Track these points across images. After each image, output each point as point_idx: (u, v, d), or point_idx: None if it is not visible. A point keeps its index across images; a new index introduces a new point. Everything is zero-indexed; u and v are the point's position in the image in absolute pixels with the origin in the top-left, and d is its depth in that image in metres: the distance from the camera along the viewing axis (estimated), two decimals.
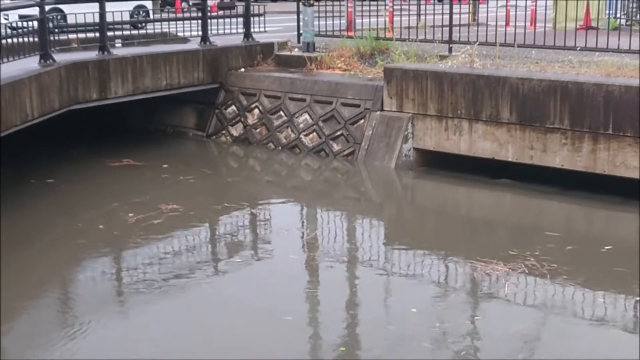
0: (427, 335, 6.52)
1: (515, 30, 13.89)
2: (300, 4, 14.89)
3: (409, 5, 18.76)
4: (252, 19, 14.83)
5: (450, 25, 13.59)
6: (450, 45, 13.47)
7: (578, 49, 12.34)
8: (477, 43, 12.61)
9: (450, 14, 13.56)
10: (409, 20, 16.62)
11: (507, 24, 18.73)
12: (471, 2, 22.74)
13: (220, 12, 17.06)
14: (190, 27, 14.66)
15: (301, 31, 14.97)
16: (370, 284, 7.84)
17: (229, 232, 9.73)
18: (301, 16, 14.89)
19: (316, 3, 16.16)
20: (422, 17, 18.35)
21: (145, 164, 12.32)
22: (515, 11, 19.79)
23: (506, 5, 20.72)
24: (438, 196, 11.37)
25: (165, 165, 12.18)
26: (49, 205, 10.44)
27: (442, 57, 12.90)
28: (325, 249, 8.87)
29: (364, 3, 19.72)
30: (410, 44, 13.95)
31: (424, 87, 11.55)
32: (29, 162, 12.47)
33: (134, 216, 9.70)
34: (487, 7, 16.77)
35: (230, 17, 15.14)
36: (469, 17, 21.77)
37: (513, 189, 10.89)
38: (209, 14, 14.86)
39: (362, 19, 17.66)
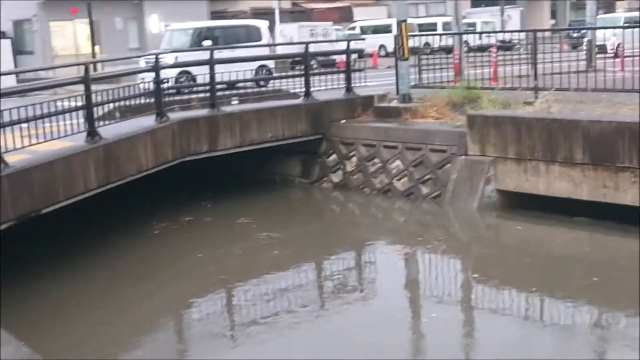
0: None
1: (625, 75, 14.19)
2: (397, 58, 15.83)
3: (512, 54, 19.35)
4: (353, 74, 15.94)
5: (535, 73, 14.18)
6: (536, 92, 14.03)
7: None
8: (554, 89, 13.18)
9: (535, 62, 14.18)
10: (512, 69, 17.12)
11: (621, 69, 19.10)
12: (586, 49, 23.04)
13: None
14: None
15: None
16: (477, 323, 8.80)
17: (332, 273, 10.80)
18: (398, 69, 15.81)
19: (424, 56, 17.15)
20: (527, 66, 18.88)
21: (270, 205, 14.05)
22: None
23: (617, 50, 21.02)
24: (517, 235, 11.89)
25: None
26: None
27: (527, 103, 13.51)
28: (424, 287, 10.09)
29: (470, 54, 20.58)
30: (505, 92, 14.57)
31: (503, 132, 12.23)
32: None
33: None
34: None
35: (331, 72, 16.23)
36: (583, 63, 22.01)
37: (589, 226, 11.37)
38: (316, 70, 16.07)
39: (468, 70, 18.46)
